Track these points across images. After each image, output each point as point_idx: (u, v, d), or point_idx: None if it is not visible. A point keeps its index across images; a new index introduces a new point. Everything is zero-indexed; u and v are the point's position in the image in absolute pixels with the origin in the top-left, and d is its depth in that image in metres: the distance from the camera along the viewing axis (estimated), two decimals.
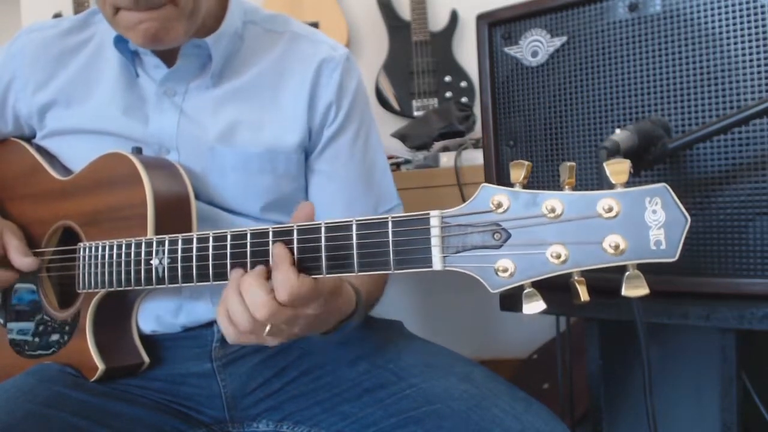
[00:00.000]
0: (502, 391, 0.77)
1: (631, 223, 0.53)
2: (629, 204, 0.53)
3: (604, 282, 0.90)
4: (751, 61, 0.80)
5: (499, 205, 0.56)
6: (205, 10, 0.89)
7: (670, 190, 0.52)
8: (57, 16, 2.19)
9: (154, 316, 0.92)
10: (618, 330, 0.96)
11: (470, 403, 0.74)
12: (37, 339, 0.94)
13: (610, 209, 0.53)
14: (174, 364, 0.92)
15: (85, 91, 0.95)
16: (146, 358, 0.90)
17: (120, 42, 0.92)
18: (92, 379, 0.86)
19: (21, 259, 0.90)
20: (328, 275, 0.66)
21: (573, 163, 0.56)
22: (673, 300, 0.86)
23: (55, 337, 0.92)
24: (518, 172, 0.57)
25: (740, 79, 0.80)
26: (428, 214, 0.60)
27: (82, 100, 0.95)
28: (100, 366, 0.85)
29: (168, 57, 0.92)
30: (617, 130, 0.75)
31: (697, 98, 0.83)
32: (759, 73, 0.79)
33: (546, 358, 1.75)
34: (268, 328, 0.68)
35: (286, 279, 0.65)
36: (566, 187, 0.56)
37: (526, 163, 0.57)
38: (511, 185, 0.57)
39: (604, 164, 0.54)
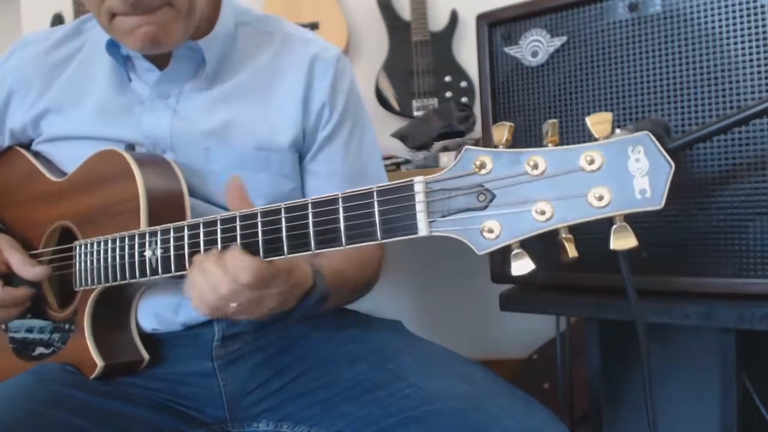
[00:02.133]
0: (502, 391, 0.77)
1: (614, 174, 0.52)
2: (612, 155, 0.52)
3: (605, 282, 0.90)
4: (751, 61, 0.80)
5: (483, 166, 0.56)
6: (199, 12, 0.89)
7: (652, 137, 0.52)
8: (57, 16, 2.19)
9: (153, 313, 0.92)
10: (618, 330, 0.96)
11: (470, 403, 0.74)
12: (37, 340, 0.94)
13: (593, 161, 0.53)
14: (174, 363, 0.92)
15: (77, 98, 0.95)
16: (146, 355, 0.90)
17: (112, 47, 0.92)
18: (92, 377, 0.86)
19: (30, 270, 0.90)
20: (316, 251, 0.66)
21: (556, 120, 0.56)
22: (673, 300, 0.86)
23: (54, 337, 0.92)
24: (501, 132, 0.57)
25: (740, 79, 0.80)
26: (412, 180, 0.59)
27: (75, 106, 0.95)
28: (99, 363, 0.85)
29: (160, 60, 0.93)
30: (617, 130, 0.75)
31: (697, 98, 0.84)
32: (759, 73, 0.79)
33: (546, 358, 1.76)
34: (234, 305, 0.71)
35: (242, 261, 0.68)
36: (549, 144, 0.55)
37: (508, 124, 0.57)
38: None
39: (586, 118, 0.54)
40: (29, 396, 0.80)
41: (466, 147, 0.58)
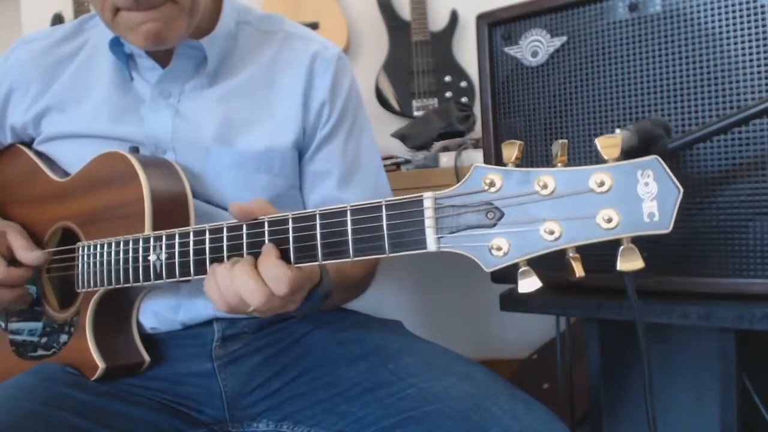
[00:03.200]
0: (502, 391, 0.77)
1: (623, 197, 0.53)
2: (621, 177, 0.53)
3: (605, 282, 0.90)
4: (751, 61, 0.80)
5: (492, 184, 0.57)
6: (202, 9, 0.89)
7: (662, 162, 0.52)
8: (57, 16, 2.19)
9: (153, 313, 0.92)
10: (618, 330, 0.96)
11: (470, 403, 0.74)
12: (37, 340, 0.94)
13: (602, 183, 0.53)
14: (174, 363, 0.93)
15: (79, 96, 0.95)
16: (147, 357, 0.90)
17: (115, 45, 0.92)
18: (92, 378, 0.86)
19: (27, 254, 0.90)
20: (323, 262, 0.66)
21: (565, 141, 0.56)
22: (673, 300, 0.86)
23: (55, 337, 0.92)
24: (510, 151, 0.57)
25: (740, 79, 0.80)
26: (421, 196, 0.60)
27: (76, 104, 0.95)
28: (101, 365, 0.85)
29: (162, 59, 0.93)
30: (617, 130, 0.75)
31: (697, 98, 0.84)
32: (759, 73, 0.79)
33: (546, 358, 1.76)
34: (252, 308, 0.71)
35: (282, 273, 0.67)
36: (559, 164, 0.56)
37: (518, 142, 0.57)
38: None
39: (596, 140, 0.54)
40: (30, 396, 0.80)
41: (476, 165, 0.58)
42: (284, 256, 0.68)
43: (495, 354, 1.96)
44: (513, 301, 1.02)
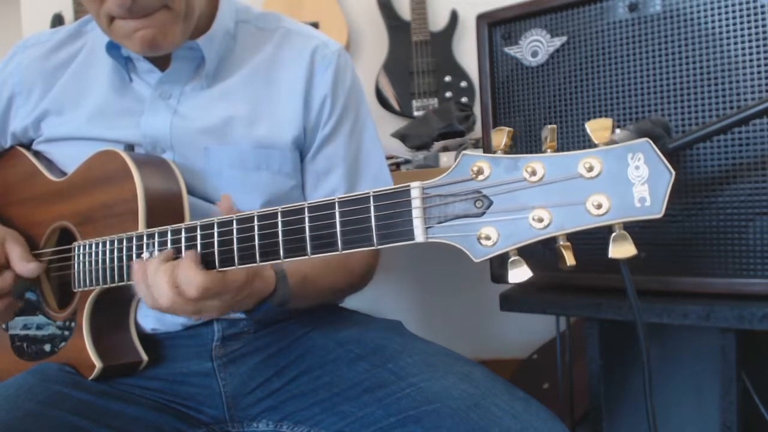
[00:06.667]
0: (502, 390, 0.77)
1: (614, 181, 0.51)
2: (611, 162, 0.51)
3: (605, 282, 0.91)
4: (751, 61, 0.80)
5: (480, 172, 0.55)
6: (198, 12, 0.89)
7: (653, 145, 0.51)
8: (57, 16, 2.19)
9: (153, 313, 0.92)
10: (618, 330, 0.96)
11: (469, 403, 0.74)
12: (37, 340, 0.94)
13: (592, 168, 0.51)
14: (174, 363, 0.92)
15: (77, 99, 0.95)
16: (144, 357, 0.90)
17: (113, 48, 0.92)
18: (90, 378, 0.86)
19: (24, 265, 0.90)
20: (312, 256, 0.65)
21: (554, 126, 0.55)
22: (673, 300, 0.86)
23: (54, 337, 0.92)
24: (499, 137, 0.56)
25: (740, 79, 0.80)
26: (409, 186, 0.59)
27: (74, 107, 0.95)
28: (98, 364, 0.85)
29: (161, 61, 0.93)
30: (617, 130, 0.75)
31: (697, 98, 0.84)
32: (759, 73, 0.79)
33: (546, 358, 1.75)
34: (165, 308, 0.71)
35: (192, 277, 0.68)
36: (548, 150, 0.54)
37: (507, 128, 0.56)
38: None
39: (586, 123, 0.53)
40: (29, 396, 0.80)
41: (464, 153, 0.57)
42: (275, 251, 0.68)
43: (495, 354, 1.96)
44: (513, 301, 1.02)
